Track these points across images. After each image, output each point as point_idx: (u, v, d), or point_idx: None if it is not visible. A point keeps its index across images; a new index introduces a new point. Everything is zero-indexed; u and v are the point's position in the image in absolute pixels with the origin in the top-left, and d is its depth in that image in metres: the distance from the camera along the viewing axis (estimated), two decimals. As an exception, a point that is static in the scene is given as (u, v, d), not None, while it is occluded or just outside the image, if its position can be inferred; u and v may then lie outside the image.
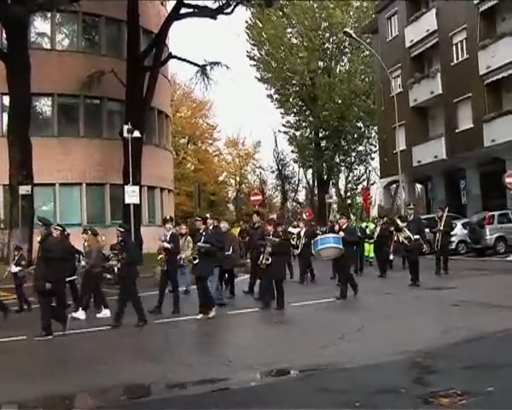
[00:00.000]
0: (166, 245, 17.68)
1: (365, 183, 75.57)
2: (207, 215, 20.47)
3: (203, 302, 16.23)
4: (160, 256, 18.02)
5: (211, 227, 18.25)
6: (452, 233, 35.78)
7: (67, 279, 17.38)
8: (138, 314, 15.32)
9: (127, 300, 15.47)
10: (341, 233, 19.06)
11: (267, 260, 16.85)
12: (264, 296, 17.45)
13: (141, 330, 14.87)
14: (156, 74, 38.91)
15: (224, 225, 20.15)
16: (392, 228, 26.13)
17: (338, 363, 10.52)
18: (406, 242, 22.08)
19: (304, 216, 43.26)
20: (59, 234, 16.32)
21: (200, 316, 15.93)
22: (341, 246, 18.61)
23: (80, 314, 16.89)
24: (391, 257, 28.17)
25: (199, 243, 16.41)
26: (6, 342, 13.79)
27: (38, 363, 12.01)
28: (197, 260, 16.27)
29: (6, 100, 36.72)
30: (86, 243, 18.29)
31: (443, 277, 23.85)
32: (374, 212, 43.11)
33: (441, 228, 25.20)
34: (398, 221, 23.19)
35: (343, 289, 18.71)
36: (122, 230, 16.49)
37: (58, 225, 17.17)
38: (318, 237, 20.83)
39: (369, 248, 29.60)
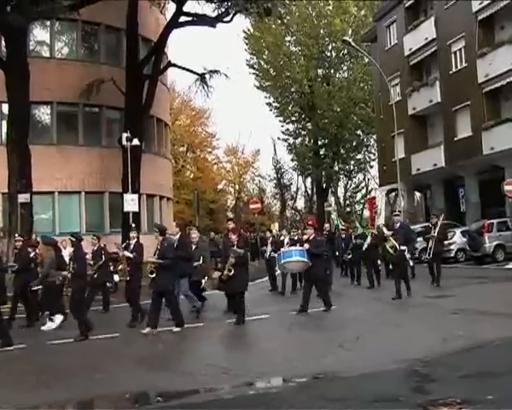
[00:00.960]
0: (128, 254, 17.30)
1: (364, 191, 75.72)
2: (170, 225, 19.73)
3: (173, 317, 15.96)
4: (121, 266, 17.80)
5: (177, 236, 17.72)
6: (451, 241, 35.91)
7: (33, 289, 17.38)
8: (80, 328, 15.01)
9: (78, 311, 15.28)
10: (306, 245, 18.11)
11: (229, 271, 16.22)
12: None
13: (137, 338, 14.84)
14: (155, 83, 38.97)
15: (195, 235, 19.41)
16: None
17: (337, 371, 10.50)
18: (392, 251, 20.58)
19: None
20: (20, 244, 16.28)
21: (176, 329, 15.63)
22: (306, 259, 17.87)
23: (49, 325, 16.87)
24: (390, 266, 26.08)
25: (151, 259, 15.98)
26: (3, 351, 13.81)
27: (33, 371, 11.97)
28: (154, 275, 15.68)
29: (5, 108, 36.71)
30: (39, 252, 18.22)
31: (441, 285, 23.75)
32: (380, 221, 42.66)
33: (435, 234, 23.65)
34: (384, 229, 21.64)
35: (326, 300, 18.14)
36: (73, 239, 15.96)
37: (19, 235, 17.21)
38: (282, 249, 20.13)
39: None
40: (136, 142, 33.35)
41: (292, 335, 14.84)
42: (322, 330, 15.11)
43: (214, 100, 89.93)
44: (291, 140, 70.33)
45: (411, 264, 25.24)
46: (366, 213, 37.75)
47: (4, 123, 37.26)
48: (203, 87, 41.24)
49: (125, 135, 33.52)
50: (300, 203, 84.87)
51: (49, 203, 40.11)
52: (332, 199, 73.65)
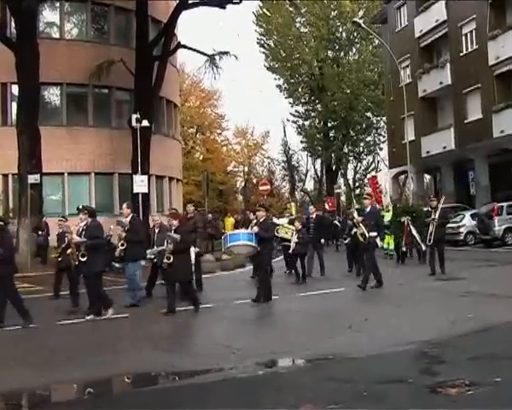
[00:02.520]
0: (76, 239, 15.77)
1: (374, 172, 75.58)
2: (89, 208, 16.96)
3: (91, 302, 15.31)
4: (70, 250, 16.55)
5: (128, 219, 17.27)
6: (461, 224, 35.90)
7: None
8: (20, 314, 14.49)
9: (4, 299, 14.59)
10: (255, 228, 16.98)
11: (168, 259, 15.26)
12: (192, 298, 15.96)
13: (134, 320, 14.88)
14: (165, 64, 38.87)
15: (157, 218, 18.89)
16: (404, 218, 25.39)
17: (346, 353, 10.50)
18: (362, 239, 19.07)
19: (326, 206, 43.09)
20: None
21: (89, 317, 14.99)
22: (254, 243, 16.86)
23: None
24: (403, 249, 26.51)
25: (78, 239, 15.34)
26: (10, 331, 13.88)
27: (43, 352, 12.03)
28: (85, 258, 14.95)
29: (15, 89, 36.78)
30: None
31: (452, 267, 23.66)
32: (386, 200, 42.47)
33: (435, 218, 21.91)
34: (355, 215, 20.00)
35: (260, 291, 16.99)
36: (1, 223, 15.04)
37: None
38: (228, 233, 19.28)
39: (388, 240, 27.67)
40: (145, 123, 33.30)
41: (300, 316, 14.84)
42: (331, 312, 15.10)
43: (223, 81, 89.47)
44: (300, 122, 70.27)
45: (423, 248, 24.77)
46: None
47: (14, 104, 37.37)
48: (212, 68, 41.15)
49: (134, 116, 33.46)
50: (310, 185, 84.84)
51: (58, 184, 40.21)
52: (341, 181, 73.58)
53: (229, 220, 31.02)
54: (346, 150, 69.45)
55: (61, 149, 39.05)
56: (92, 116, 42.27)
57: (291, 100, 69.41)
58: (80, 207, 16.08)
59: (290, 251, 21.73)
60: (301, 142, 72.65)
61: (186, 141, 74.96)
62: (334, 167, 69.95)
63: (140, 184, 32.35)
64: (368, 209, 19.59)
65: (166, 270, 15.68)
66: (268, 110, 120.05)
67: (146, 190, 33.22)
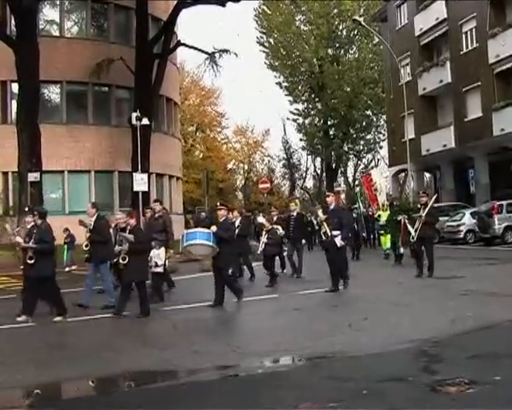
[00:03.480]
0: (19, 240, 15.32)
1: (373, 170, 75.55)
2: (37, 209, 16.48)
3: (54, 305, 15.10)
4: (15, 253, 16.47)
5: (93, 218, 16.73)
6: (460, 222, 35.91)
7: None
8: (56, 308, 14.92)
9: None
10: (214, 228, 16.17)
11: (124, 259, 14.93)
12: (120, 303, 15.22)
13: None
14: (165, 62, 38.95)
15: (120, 216, 18.17)
16: (400, 217, 24.29)
17: (345, 351, 10.50)
18: (324, 238, 18.44)
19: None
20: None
21: (57, 318, 14.75)
22: (211, 243, 15.97)
23: None
24: (401, 250, 25.00)
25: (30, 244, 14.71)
26: (11, 329, 13.89)
27: (44, 349, 12.05)
28: (33, 260, 14.49)
29: (15, 87, 36.82)
30: None
31: (452, 266, 23.65)
32: (382, 199, 42.05)
33: (422, 215, 20.65)
34: (320, 213, 19.13)
35: (234, 290, 16.44)
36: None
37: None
38: (185, 231, 18.02)
39: (384, 240, 27.88)
40: (145, 121, 33.35)
41: (300, 315, 14.83)
42: (331, 311, 15.12)
43: (224, 79, 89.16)
44: (300, 120, 70.27)
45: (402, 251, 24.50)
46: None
47: (14, 102, 37.41)
48: (212, 66, 41.19)
49: (134, 114, 33.53)
50: (310, 183, 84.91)
51: (58, 182, 40.28)
52: (341, 179, 73.62)
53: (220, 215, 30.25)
54: (345, 148, 69.47)
55: (61, 147, 39.10)
56: (92, 114, 42.33)
57: (291, 98, 69.46)
58: (29, 208, 15.82)
59: (258, 252, 21.17)
60: (301, 140, 72.76)
61: (186, 139, 75.02)
62: (334, 166, 69.95)
63: (140, 182, 32.40)
64: (331, 207, 18.58)
65: (122, 270, 15.44)
66: (268, 108, 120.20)
67: (146, 189, 33.26)
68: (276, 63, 67.45)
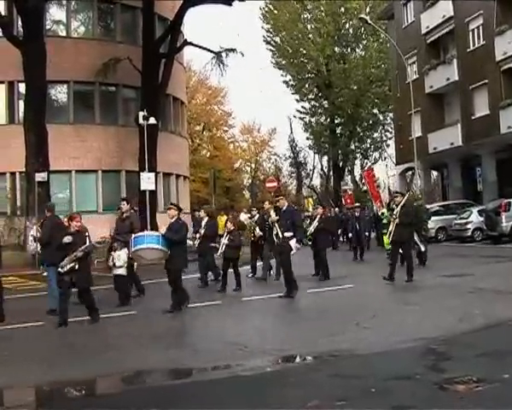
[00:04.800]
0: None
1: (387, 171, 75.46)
2: None
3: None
4: None
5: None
6: (468, 220, 35.83)
7: None
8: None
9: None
10: (162, 230, 15.73)
11: (73, 266, 13.99)
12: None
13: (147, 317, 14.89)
14: (171, 61, 38.95)
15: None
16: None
17: (353, 349, 10.54)
18: (276, 240, 17.79)
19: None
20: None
21: None
22: (160, 246, 15.37)
23: None
24: (400, 250, 22.19)
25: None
26: (19, 329, 13.93)
27: (51, 349, 12.08)
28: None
29: (22, 87, 36.88)
30: None
31: (459, 264, 23.58)
32: (386, 196, 41.26)
33: (395, 216, 19.62)
34: (272, 213, 18.28)
35: (175, 299, 15.51)
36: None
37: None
38: (133, 235, 16.56)
39: (387, 240, 27.20)
40: (152, 120, 33.36)
41: (307, 313, 14.85)
42: (338, 309, 15.10)
43: (230, 78, 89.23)
44: (307, 118, 70.24)
45: (422, 248, 23.18)
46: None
47: (21, 103, 37.46)
48: (219, 65, 41.20)
49: (141, 114, 33.54)
50: (317, 182, 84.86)
51: (65, 182, 40.31)
52: (349, 178, 73.61)
53: (223, 220, 28.98)
54: (352, 147, 69.37)
55: (68, 147, 39.15)
56: (99, 114, 42.36)
57: (298, 96, 69.38)
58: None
59: (217, 254, 20.16)
60: (307, 138, 72.71)
61: (193, 138, 75.10)
62: (341, 164, 69.89)
63: (147, 181, 32.42)
64: (284, 208, 17.64)
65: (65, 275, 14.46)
66: (275, 107, 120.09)
67: (153, 188, 33.29)
68: (283, 62, 67.44)
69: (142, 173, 33.04)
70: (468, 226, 35.76)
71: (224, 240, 19.50)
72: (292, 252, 16.98)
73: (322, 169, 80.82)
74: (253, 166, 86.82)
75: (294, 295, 16.73)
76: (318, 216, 21.90)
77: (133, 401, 8.35)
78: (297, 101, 69.72)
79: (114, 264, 16.73)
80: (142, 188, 32.65)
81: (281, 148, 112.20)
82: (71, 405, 8.66)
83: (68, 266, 13.91)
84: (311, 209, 35.49)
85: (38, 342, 12.84)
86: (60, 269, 14.06)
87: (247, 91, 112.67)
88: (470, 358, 9.32)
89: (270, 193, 45.88)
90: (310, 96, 69.41)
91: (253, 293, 18.00)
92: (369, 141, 70.35)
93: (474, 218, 35.82)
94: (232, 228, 19.79)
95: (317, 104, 69.42)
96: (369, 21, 47.29)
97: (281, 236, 17.16)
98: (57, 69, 36.10)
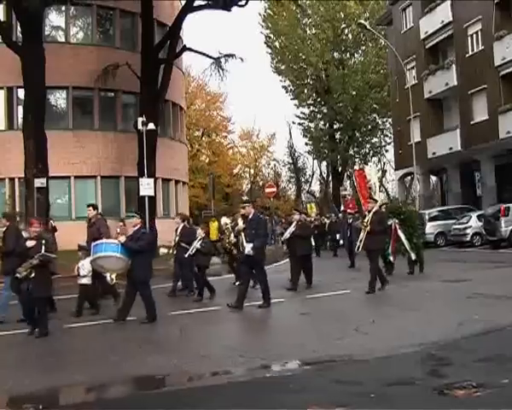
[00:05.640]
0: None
1: (380, 174, 75.50)
2: None
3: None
4: None
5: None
6: (467, 225, 35.83)
7: None
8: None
9: None
10: (122, 238, 15.11)
11: (30, 273, 13.53)
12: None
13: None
14: (170, 67, 38.94)
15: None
16: (391, 222, 21.50)
17: (353, 355, 10.51)
18: (241, 249, 17.22)
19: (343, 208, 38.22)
20: None
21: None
22: (119, 254, 14.91)
23: None
24: (391, 258, 21.94)
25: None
26: (18, 335, 13.94)
27: (50, 354, 12.08)
28: None
29: (21, 93, 36.92)
30: None
31: (459, 269, 23.57)
32: (380, 198, 40.34)
33: (365, 223, 18.97)
34: (240, 221, 17.87)
35: (149, 309, 15.07)
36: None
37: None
38: (93, 243, 16.03)
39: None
40: (151, 126, 33.35)
41: (306, 319, 14.84)
42: (337, 315, 15.09)
43: (229, 84, 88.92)
44: (306, 124, 70.24)
45: (413, 257, 22.18)
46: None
47: (20, 108, 37.50)
48: (218, 71, 41.20)
49: (140, 119, 33.54)
50: (316, 187, 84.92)
51: (65, 188, 40.35)
52: (348, 183, 73.57)
53: (214, 225, 28.42)
54: (351, 152, 69.34)
55: (68, 153, 39.17)
56: (98, 119, 42.41)
57: (297, 102, 69.39)
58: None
59: (186, 255, 19.09)
60: (306, 144, 72.73)
61: (192, 144, 75.05)
62: (340, 169, 69.88)
63: (146, 187, 32.39)
64: (250, 217, 16.68)
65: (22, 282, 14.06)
66: (273, 112, 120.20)
67: (152, 193, 33.26)
68: (282, 67, 67.51)
69: (141, 179, 33.03)
70: (468, 231, 35.79)
71: (197, 244, 18.78)
72: (247, 252, 16.07)
73: (321, 174, 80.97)
74: (253, 171, 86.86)
75: (265, 306, 16.14)
76: (295, 222, 20.91)
77: (133, 407, 8.34)
78: (296, 106, 69.78)
79: (79, 273, 16.37)
80: (141, 194, 32.64)
81: (280, 153, 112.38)
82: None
83: (23, 273, 13.48)
84: (313, 215, 35.15)
85: (38, 347, 12.82)
86: (17, 275, 13.68)
87: (247, 97, 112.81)
88: (470, 363, 9.32)
89: (270, 198, 45.99)
90: (309, 102, 69.39)
91: (250, 299, 17.98)
92: (368, 146, 70.28)
93: (474, 223, 35.85)
94: (203, 235, 19.16)
95: (316, 109, 69.41)
96: (368, 27, 47.32)
97: (245, 245, 16.27)
98: (56, 75, 36.12)
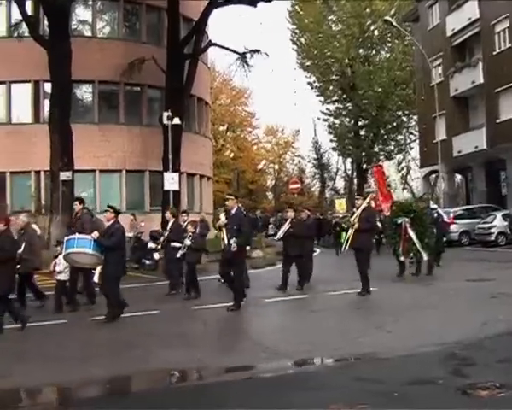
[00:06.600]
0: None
1: (404, 171, 75.14)
2: None
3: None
4: None
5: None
6: (492, 224, 35.60)
7: None
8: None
9: None
10: (95, 234, 14.77)
11: None
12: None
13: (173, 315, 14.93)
14: (196, 62, 38.98)
15: (23, 218, 17.30)
16: (401, 220, 21.08)
17: (375, 353, 10.49)
18: (223, 246, 16.24)
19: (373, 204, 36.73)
20: None
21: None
22: (91, 251, 14.77)
23: None
24: (401, 258, 21.47)
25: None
26: (44, 326, 14.03)
27: (74, 347, 12.15)
28: None
29: (47, 87, 37.09)
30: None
31: (482, 268, 23.45)
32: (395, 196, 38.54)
33: (352, 220, 18.36)
34: (222, 216, 16.83)
35: (112, 307, 14.82)
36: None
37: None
38: (65, 238, 15.83)
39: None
40: (176, 121, 33.43)
41: (329, 316, 14.80)
42: (360, 312, 15.08)
43: (254, 79, 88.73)
44: (331, 120, 70.10)
45: (425, 257, 21.20)
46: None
47: (46, 102, 37.67)
48: (243, 66, 41.15)
49: (165, 114, 33.64)
50: (340, 184, 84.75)
51: (90, 181, 40.46)
52: (372, 180, 73.33)
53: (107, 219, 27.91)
54: (376, 149, 69.11)
55: (93, 147, 39.26)
56: (124, 114, 42.49)
57: (322, 98, 69.27)
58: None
59: (178, 255, 18.78)
60: (331, 141, 72.57)
61: (217, 139, 75.15)
62: (364, 166, 69.67)
63: (171, 181, 32.49)
64: (233, 211, 16.16)
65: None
66: (299, 108, 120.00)
67: (177, 188, 33.34)
68: (308, 63, 67.41)
69: (165, 173, 33.12)
70: (492, 230, 35.56)
71: (187, 241, 18.48)
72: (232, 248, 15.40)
73: (345, 171, 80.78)
74: (277, 167, 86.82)
75: (236, 307, 15.56)
76: (289, 220, 20.07)
77: (155, 401, 8.37)
78: (321, 103, 69.66)
79: (55, 269, 16.35)
80: (166, 188, 32.75)
81: (304, 149, 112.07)
82: (93, 403, 8.68)
83: None
84: (341, 212, 34.65)
85: (63, 339, 12.90)
86: None
87: (272, 92, 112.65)
88: (493, 363, 9.28)
89: (294, 195, 45.94)
90: (334, 98, 69.24)
91: (273, 294, 17.98)
92: (393, 143, 70.04)
93: (498, 222, 35.63)
94: (193, 230, 18.92)
95: (342, 106, 69.24)
96: (394, 24, 47.18)
97: (226, 242, 15.66)
98: (82, 69, 36.21)
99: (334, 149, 74.47)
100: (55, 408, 8.96)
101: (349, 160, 76.43)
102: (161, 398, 8.60)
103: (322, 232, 37.21)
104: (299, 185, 48.25)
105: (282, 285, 19.09)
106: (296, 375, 9.59)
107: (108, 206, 15.60)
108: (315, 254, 24.50)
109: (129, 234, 26.90)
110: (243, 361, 10.30)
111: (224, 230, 15.92)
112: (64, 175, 31.70)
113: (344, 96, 67.84)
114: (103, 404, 8.57)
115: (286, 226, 19.98)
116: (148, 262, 26.27)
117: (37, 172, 39.48)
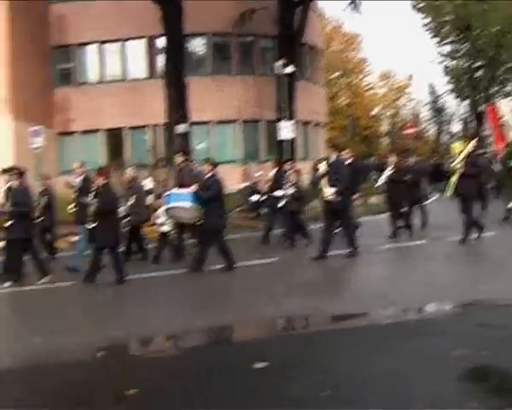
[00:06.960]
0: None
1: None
2: None
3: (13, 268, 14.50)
4: None
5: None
6: None
7: None
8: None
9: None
10: (193, 187, 15.16)
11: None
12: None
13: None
14: (307, 9, 38.73)
15: (130, 172, 17.95)
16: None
17: (492, 299, 10.32)
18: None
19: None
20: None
21: (7, 284, 14.24)
22: (190, 204, 15.19)
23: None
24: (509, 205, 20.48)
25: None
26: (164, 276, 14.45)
27: (197, 295, 12.48)
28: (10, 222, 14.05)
29: (160, 42, 37.52)
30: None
31: None
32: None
33: (458, 166, 17.21)
34: (321, 166, 16.24)
35: (226, 258, 15.01)
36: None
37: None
38: (171, 191, 16.08)
39: None
40: (289, 69, 33.36)
41: (444, 265, 14.58)
42: (479, 258, 14.87)
43: (365, 24, 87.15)
44: (447, 62, 68.68)
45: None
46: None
47: (160, 57, 38.18)
48: (354, 11, 40.70)
49: (278, 63, 33.62)
50: (457, 127, 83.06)
51: (205, 133, 40.90)
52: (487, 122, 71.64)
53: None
54: (494, 90, 67.30)
55: (207, 99, 39.57)
56: (237, 64, 42.65)
57: (437, 39, 67.88)
58: (5, 168, 15.22)
59: (280, 205, 18.74)
60: (448, 82, 71.13)
61: (330, 86, 74.64)
62: (481, 109, 68.05)
63: (286, 130, 32.47)
64: (331, 160, 16.07)
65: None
66: (412, 52, 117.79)
67: (292, 136, 33.31)
68: (422, 4, 66.05)
69: (280, 122, 33.16)
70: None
71: (289, 190, 18.40)
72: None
73: (462, 114, 79.10)
74: (392, 112, 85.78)
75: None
76: (391, 165, 19.64)
77: (271, 348, 8.47)
78: (437, 44, 68.23)
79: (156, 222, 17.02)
80: (281, 137, 32.80)
81: (418, 94, 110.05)
82: (213, 350, 8.89)
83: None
84: (457, 156, 33.49)
85: (188, 287, 13.41)
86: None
87: (384, 36, 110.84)
88: None
89: (409, 139, 45.37)
90: (449, 39, 67.69)
91: (388, 241, 17.92)
92: (510, 84, 68.08)
93: None
94: (295, 179, 18.83)
95: (457, 47, 67.67)
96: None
97: (326, 191, 15.69)
98: (195, 22, 36.47)
99: (451, 90, 72.96)
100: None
101: (465, 102, 74.81)
102: (276, 345, 8.70)
103: (438, 178, 36.59)
104: (414, 130, 47.63)
105: (392, 234, 19.04)
106: (414, 322, 9.55)
107: (207, 158, 15.95)
108: (431, 200, 24.15)
109: (242, 185, 27.33)
110: (362, 308, 10.35)
111: (323, 179, 15.85)
112: (181, 128, 32.13)
113: (459, 36, 66.20)
114: (216, 349, 8.76)
115: (388, 172, 19.67)
116: (253, 199, 26.38)
117: (154, 126, 40.18)
